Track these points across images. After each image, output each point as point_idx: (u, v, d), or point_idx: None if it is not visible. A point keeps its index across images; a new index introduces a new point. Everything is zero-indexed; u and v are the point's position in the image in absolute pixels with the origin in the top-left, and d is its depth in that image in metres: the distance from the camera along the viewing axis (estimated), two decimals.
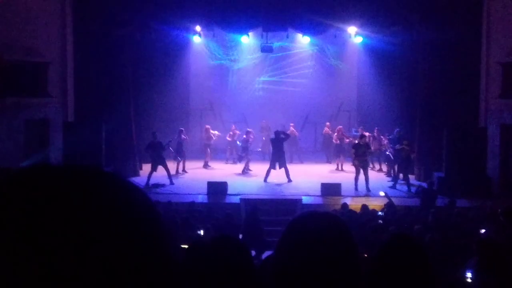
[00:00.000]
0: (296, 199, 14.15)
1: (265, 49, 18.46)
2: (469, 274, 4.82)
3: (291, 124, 19.66)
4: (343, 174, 17.23)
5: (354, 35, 17.50)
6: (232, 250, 2.40)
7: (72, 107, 16.49)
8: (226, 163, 19.29)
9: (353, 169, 15.82)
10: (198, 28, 17.59)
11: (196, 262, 2.55)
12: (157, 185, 15.57)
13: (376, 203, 13.11)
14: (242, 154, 17.88)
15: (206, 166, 18.58)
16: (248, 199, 13.87)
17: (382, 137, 17.87)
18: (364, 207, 12.17)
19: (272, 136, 16.58)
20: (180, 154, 17.44)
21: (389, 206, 12.51)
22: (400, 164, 15.64)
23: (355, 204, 13.09)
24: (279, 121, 19.76)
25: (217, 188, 14.66)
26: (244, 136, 18.06)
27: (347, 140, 18.32)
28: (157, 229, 0.76)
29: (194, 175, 17.26)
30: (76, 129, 15.74)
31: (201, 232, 9.89)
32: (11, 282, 0.64)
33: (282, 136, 16.07)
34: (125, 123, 16.85)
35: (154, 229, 0.75)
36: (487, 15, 15.58)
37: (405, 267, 2.31)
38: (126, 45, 16.69)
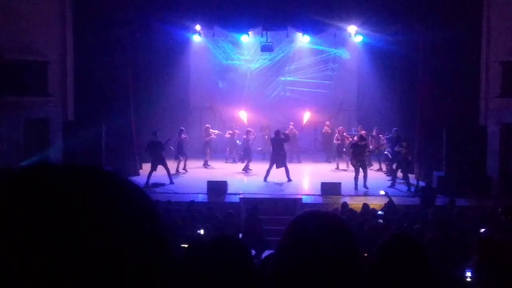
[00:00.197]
0: (296, 199, 14.15)
1: (265, 48, 18.45)
2: (469, 274, 4.82)
3: (291, 123, 19.65)
4: (343, 173, 17.23)
5: (354, 34, 17.49)
6: (232, 250, 2.40)
7: (72, 107, 16.49)
8: (226, 162, 19.29)
9: (353, 168, 15.83)
10: (198, 27, 17.58)
11: (196, 262, 2.55)
12: (157, 185, 15.58)
13: (376, 202, 13.10)
14: (241, 152, 17.89)
15: (206, 165, 18.58)
16: (248, 198, 13.87)
17: (380, 135, 17.88)
18: (365, 206, 12.17)
19: (272, 135, 16.58)
20: (181, 153, 17.45)
21: (389, 206, 12.51)
22: (399, 164, 15.66)
23: (355, 203, 13.09)
24: (280, 120, 19.77)
25: (217, 187, 14.66)
26: (245, 136, 18.06)
27: (348, 140, 18.31)
28: (157, 228, 0.76)
29: (194, 174, 17.26)
30: (76, 128, 15.74)
31: (201, 232, 9.89)
32: (11, 282, 0.64)
33: (282, 137, 16.07)
34: (125, 122, 16.85)
35: (154, 228, 0.75)
36: (487, 14, 15.58)
37: (404, 266, 2.31)
38: (126, 44, 16.69)
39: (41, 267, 0.64)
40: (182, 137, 17.59)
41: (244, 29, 17.56)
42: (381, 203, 13.01)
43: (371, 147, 16.71)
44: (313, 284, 1.45)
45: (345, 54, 20.71)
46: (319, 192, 14.54)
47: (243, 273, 2.35)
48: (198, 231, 9.93)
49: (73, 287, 0.65)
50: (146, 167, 16.60)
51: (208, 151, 18.69)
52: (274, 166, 15.88)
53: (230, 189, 14.82)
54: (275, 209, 13.29)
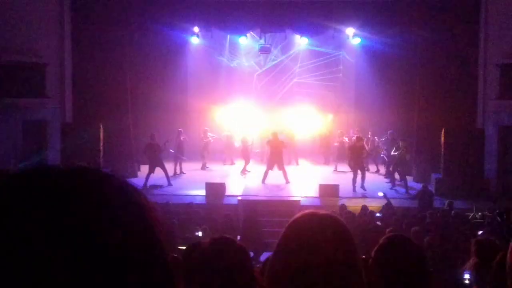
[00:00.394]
0: (294, 200, 14.15)
1: (263, 50, 18.46)
2: (467, 276, 4.82)
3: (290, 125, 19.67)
4: (341, 175, 17.22)
5: (352, 36, 17.51)
6: (230, 252, 2.40)
7: (70, 108, 16.47)
8: (224, 164, 19.29)
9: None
10: (196, 29, 17.59)
11: (194, 264, 2.55)
12: (155, 187, 15.57)
13: (374, 204, 13.11)
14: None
15: (204, 167, 18.58)
16: (246, 200, 13.86)
17: (375, 138, 17.93)
18: (364, 208, 12.18)
19: (270, 137, 16.57)
20: (182, 154, 17.51)
21: (387, 208, 12.52)
22: (395, 166, 15.69)
23: (353, 205, 13.09)
24: (277, 123, 19.77)
25: (215, 189, 14.64)
26: (242, 138, 18.08)
27: (345, 142, 18.33)
28: (154, 230, 0.75)
29: (192, 176, 17.24)
30: (74, 130, 15.73)
31: (199, 233, 9.89)
32: (10, 283, 0.64)
33: (280, 139, 16.10)
34: (123, 124, 16.84)
35: (151, 230, 0.75)
36: (484, 17, 15.62)
37: (403, 268, 2.31)
38: (124, 46, 16.68)
39: (38, 269, 0.64)
40: (181, 139, 17.60)
41: (242, 31, 17.58)
42: (379, 205, 13.02)
43: (367, 147, 16.72)
44: (311, 286, 1.44)
45: (343, 56, 20.73)
46: (317, 194, 14.55)
47: (241, 275, 2.35)
48: (196, 233, 9.93)
49: None
50: (144, 169, 16.59)
51: (206, 153, 18.69)
52: (273, 168, 15.88)
53: (228, 191, 14.82)
54: (273, 211, 13.28)
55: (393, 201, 13.15)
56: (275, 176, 16.00)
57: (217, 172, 17.91)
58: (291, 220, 1.57)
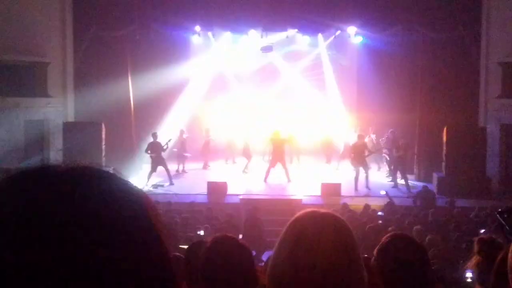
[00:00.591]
0: (296, 199, 14.15)
1: (265, 49, 18.44)
2: (469, 274, 4.82)
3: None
4: (343, 174, 17.21)
5: (354, 35, 17.49)
6: (232, 250, 2.40)
7: (72, 108, 16.50)
8: (226, 163, 19.30)
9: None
10: (197, 28, 17.58)
11: (196, 262, 2.55)
12: (157, 185, 15.58)
13: (376, 203, 13.11)
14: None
15: (205, 166, 18.59)
16: (248, 199, 13.87)
17: (372, 135, 17.95)
18: (366, 207, 12.18)
19: (272, 136, 16.56)
20: (185, 152, 17.55)
21: (389, 206, 12.51)
22: (397, 164, 15.72)
23: (355, 204, 13.09)
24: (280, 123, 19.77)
25: (217, 188, 14.66)
26: (244, 136, 18.09)
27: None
28: (156, 229, 0.76)
29: (194, 175, 17.25)
30: (76, 129, 15.75)
31: (201, 232, 9.90)
32: (8, 282, 0.64)
33: (282, 137, 16.10)
34: (125, 123, 16.85)
35: (153, 229, 0.75)
36: (486, 16, 15.59)
37: (405, 267, 2.31)
38: (126, 45, 16.70)
39: (38, 268, 0.64)
40: (184, 138, 17.64)
41: (243, 30, 17.56)
42: (381, 203, 13.02)
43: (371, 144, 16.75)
44: (312, 285, 1.44)
45: (344, 55, 20.71)
46: (319, 193, 14.55)
47: (244, 274, 2.35)
48: (198, 232, 9.94)
49: None
50: (146, 168, 16.60)
51: (207, 152, 18.71)
52: (275, 166, 15.88)
53: (230, 190, 14.82)
54: (275, 210, 13.27)
55: (395, 200, 13.14)
56: (277, 174, 16.00)
57: (219, 171, 17.92)
58: (291, 219, 1.57)
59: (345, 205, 12.47)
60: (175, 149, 17.19)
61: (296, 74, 20.72)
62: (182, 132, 17.75)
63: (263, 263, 6.03)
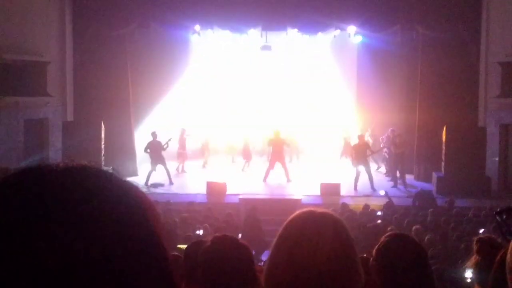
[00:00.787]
0: (295, 199, 14.15)
1: (265, 48, 18.42)
2: (468, 274, 4.81)
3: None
4: (343, 174, 17.20)
5: (354, 34, 17.47)
6: (232, 250, 2.40)
7: (71, 107, 16.49)
8: (225, 163, 19.30)
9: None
10: (197, 27, 17.56)
11: (195, 262, 2.55)
12: (156, 185, 15.57)
13: (375, 203, 13.11)
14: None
15: (205, 165, 18.59)
16: (247, 199, 13.87)
17: (366, 134, 17.98)
18: (366, 207, 12.18)
19: (272, 136, 16.57)
20: (184, 150, 17.56)
21: (388, 206, 12.51)
22: (396, 163, 15.77)
23: (354, 204, 13.09)
24: (278, 122, 19.77)
25: (216, 188, 14.66)
26: (243, 136, 18.10)
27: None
28: (155, 229, 0.75)
29: (193, 175, 17.26)
30: (75, 128, 15.74)
31: (200, 232, 9.89)
32: (7, 281, 0.64)
33: (282, 137, 16.11)
34: (124, 123, 16.85)
35: (152, 229, 0.75)
36: (486, 15, 15.59)
37: (404, 267, 2.31)
38: (125, 44, 16.69)
39: (35, 267, 0.64)
40: (184, 137, 17.64)
41: (243, 29, 17.54)
42: (381, 203, 13.02)
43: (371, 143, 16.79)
44: (310, 284, 1.44)
45: (344, 54, 20.69)
46: (318, 193, 14.55)
47: (243, 274, 2.35)
48: (197, 232, 9.94)
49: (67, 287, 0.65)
50: (146, 167, 16.60)
51: (207, 152, 18.72)
52: (274, 166, 15.89)
53: (230, 190, 14.82)
54: (275, 209, 13.26)
55: (394, 200, 13.14)
56: (276, 174, 16.00)
57: (218, 170, 17.92)
58: (288, 219, 1.57)
59: (344, 205, 12.47)
60: (180, 151, 17.26)
61: (295, 73, 20.70)
62: (183, 131, 17.73)
63: (262, 263, 6.03)
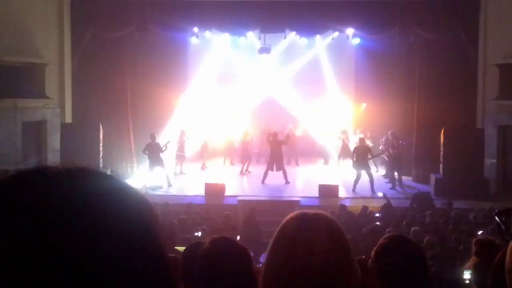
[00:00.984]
0: (294, 201, 14.15)
1: (263, 50, 18.43)
2: (467, 276, 4.82)
3: (290, 125, 19.71)
4: (341, 176, 17.22)
5: (352, 36, 17.49)
6: (230, 252, 2.40)
7: (69, 109, 16.48)
8: (224, 165, 19.30)
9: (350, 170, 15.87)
10: (196, 29, 17.57)
11: (194, 264, 2.54)
12: (154, 187, 15.57)
13: (373, 205, 13.12)
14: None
15: (203, 167, 18.59)
16: (246, 200, 13.86)
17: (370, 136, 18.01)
18: (364, 208, 12.18)
19: (270, 138, 16.57)
20: (183, 152, 17.55)
21: (386, 208, 12.51)
22: (393, 165, 15.80)
23: (352, 205, 13.10)
24: (279, 123, 19.80)
25: (214, 190, 14.65)
26: (242, 137, 18.09)
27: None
28: (154, 231, 0.75)
29: (191, 177, 17.25)
30: (73, 130, 15.73)
31: (199, 234, 9.89)
32: (5, 283, 0.64)
33: (281, 139, 16.09)
34: (122, 124, 16.84)
35: (151, 231, 0.75)
36: (484, 17, 15.62)
37: (403, 268, 2.31)
38: (123, 46, 16.69)
39: (33, 269, 0.64)
40: (184, 139, 17.63)
41: (241, 32, 17.56)
42: (379, 205, 13.02)
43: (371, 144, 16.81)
44: (308, 284, 1.44)
45: (342, 56, 20.70)
46: (316, 195, 14.55)
47: (242, 275, 2.35)
48: (196, 233, 9.93)
49: None
50: (144, 169, 16.59)
51: (205, 153, 18.72)
52: (272, 168, 15.89)
53: (228, 191, 14.82)
54: (273, 211, 13.25)
55: (392, 202, 13.15)
56: (274, 176, 16.00)
57: (217, 172, 17.92)
58: (282, 222, 1.57)
59: (342, 207, 12.47)
60: (177, 151, 17.25)
61: (294, 76, 20.71)
62: (182, 133, 17.73)
63: (260, 264, 6.03)
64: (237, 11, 16.22)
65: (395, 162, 15.78)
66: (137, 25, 16.41)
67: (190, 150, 18.55)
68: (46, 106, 15.55)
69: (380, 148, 17.29)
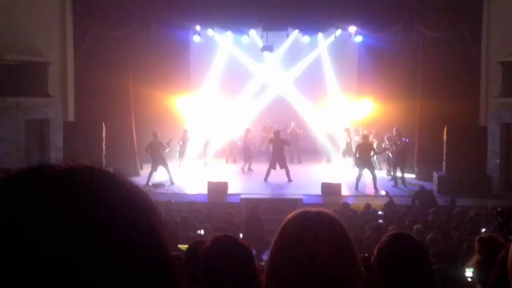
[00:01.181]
0: (296, 199, 14.15)
1: (265, 48, 18.42)
2: (470, 273, 4.82)
3: (293, 123, 19.69)
4: (344, 173, 17.21)
5: (354, 34, 17.46)
6: (233, 250, 2.40)
7: (72, 107, 16.49)
8: (227, 163, 19.31)
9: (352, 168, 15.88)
10: (198, 27, 17.56)
11: (197, 262, 2.55)
12: (157, 185, 15.59)
13: (376, 203, 13.11)
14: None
15: (206, 165, 18.60)
16: (248, 198, 13.87)
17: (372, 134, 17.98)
18: (367, 206, 12.17)
19: (272, 136, 16.57)
20: (184, 151, 17.59)
21: (389, 206, 12.51)
22: (396, 162, 15.80)
23: (355, 203, 13.09)
24: (282, 121, 19.79)
25: (217, 188, 14.66)
26: (243, 135, 18.09)
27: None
28: (157, 229, 0.76)
29: (194, 175, 17.27)
30: (76, 129, 15.75)
31: (201, 232, 9.90)
32: (7, 282, 0.64)
33: (283, 137, 16.11)
34: (125, 123, 16.86)
35: (154, 229, 0.75)
36: (487, 14, 15.58)
37: (405, 266, 2.31)
38: (126, 44, 16.69)
39: (35, 269, 0.64)
40: (187, 137, 17.66)
41: (244, 30, 17.54)
42: (382, 203, 13.01)
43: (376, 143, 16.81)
44: (308, 283, 1.44)
45: (345, 54, 20.67)
46: (319, 193, 14.54)
47: (244, 273, 2.35)
48: (199, 231, 9.94)
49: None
50: (147, 167, 16.62)
51: (208, 152, 18.74)
52: (276, 166, 15.89)
53: (231, 190, 14.82)
54: (276, 209, 13.24)
55: (395, 199, 13.14)
56: (277, 174, 16.00)
57: (219, 170, 17.92)
58: (284, 220, 1.57)
59: (345, 205, 12.47)
60: (179, 147, 17.29)
61: (296, 74, 20.69)
62: (185, 132, 17.75)
63: (263, 263, 6.03)
64: (239, 9, 16.20)
65: (398, 160, 15.77)
66: (139, 23, 16.40)
67: (193, 148, 18.56)
68: (49, 105, 15.58)
69: (384, 145, 17.27)
